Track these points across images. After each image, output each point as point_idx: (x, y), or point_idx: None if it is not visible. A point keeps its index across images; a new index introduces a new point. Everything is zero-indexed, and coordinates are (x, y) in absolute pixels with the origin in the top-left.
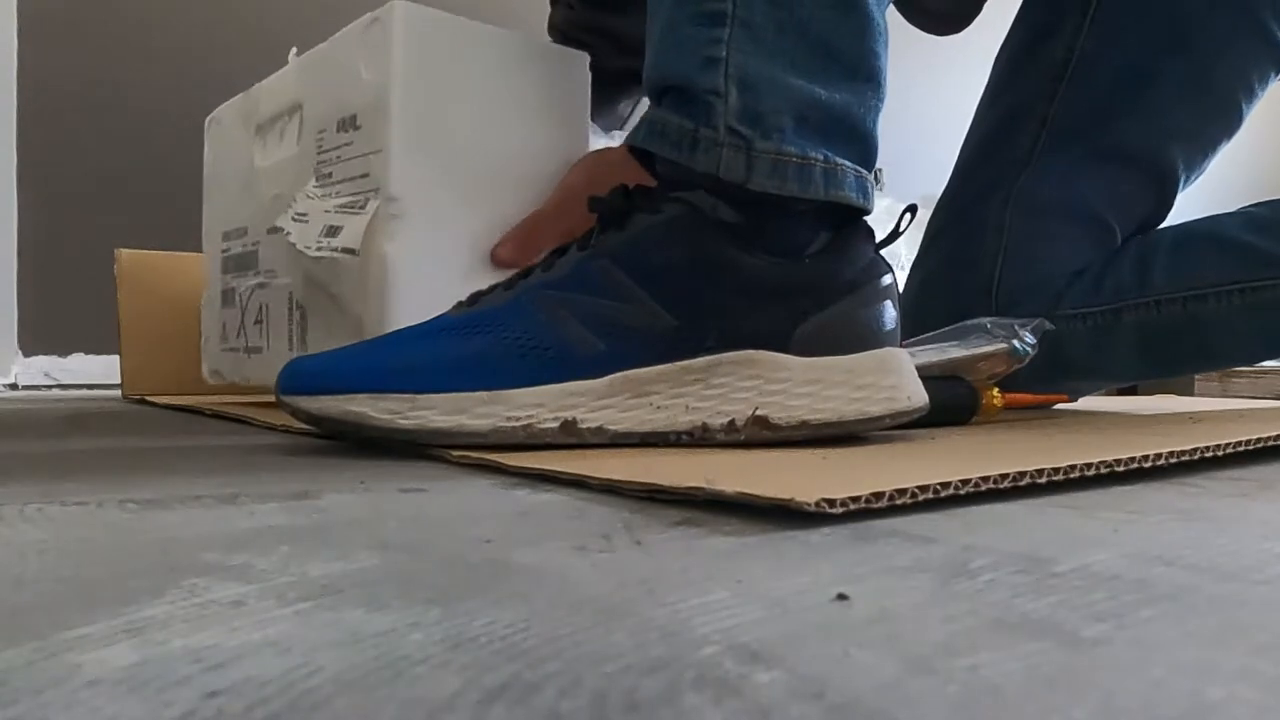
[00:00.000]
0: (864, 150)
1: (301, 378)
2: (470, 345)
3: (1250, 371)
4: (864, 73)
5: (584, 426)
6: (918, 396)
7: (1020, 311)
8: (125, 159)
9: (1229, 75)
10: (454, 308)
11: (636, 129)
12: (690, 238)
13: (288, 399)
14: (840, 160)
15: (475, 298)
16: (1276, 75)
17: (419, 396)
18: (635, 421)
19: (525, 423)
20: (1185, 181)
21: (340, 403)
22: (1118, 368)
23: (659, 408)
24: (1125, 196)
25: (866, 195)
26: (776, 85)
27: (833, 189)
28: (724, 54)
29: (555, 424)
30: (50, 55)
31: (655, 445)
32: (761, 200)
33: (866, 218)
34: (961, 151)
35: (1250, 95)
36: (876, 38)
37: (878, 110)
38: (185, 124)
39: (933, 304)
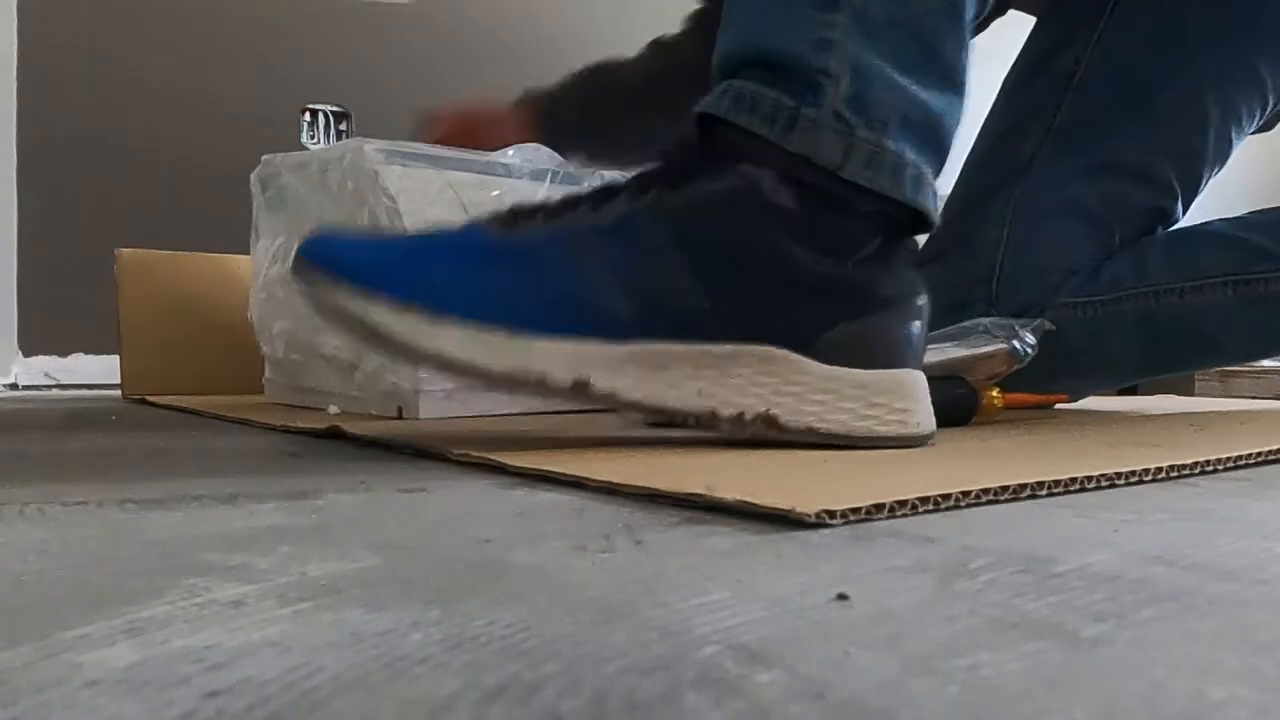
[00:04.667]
0: (940, 162)
1: (328, 251)
2: (501, 277)
3: (1251, 370)
4: (956, 83)
5: (595, 390)
6: (927, 424)
7: (1018, 299)
8: (125, 159)
9: (1220, 106)
10: (491, 218)
11: (714, 97)
12: (743, 216)
13: (309, 273)
14: (926, 169)
15: (515, 215)
16: (1264, 112)
17: (441, 317)
18: (646, 395)
19: (539, 377)
20: (1184, 201)
21: (363, 304)
22: (1117, 362)
23: (672, 386)
24: (1125, 207)
25: (937, 210)
26: (887, 80)
27: (918, 195)
28: (838, 37)
29: (568, 383)
30: (50, 54)
31: (660, 425)
32: (827, 194)
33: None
34: (969, 154)
35: (1239, 128)
36: (968, 52)
37: (959, 124)
38: (187, 124)
39: (934, 295)
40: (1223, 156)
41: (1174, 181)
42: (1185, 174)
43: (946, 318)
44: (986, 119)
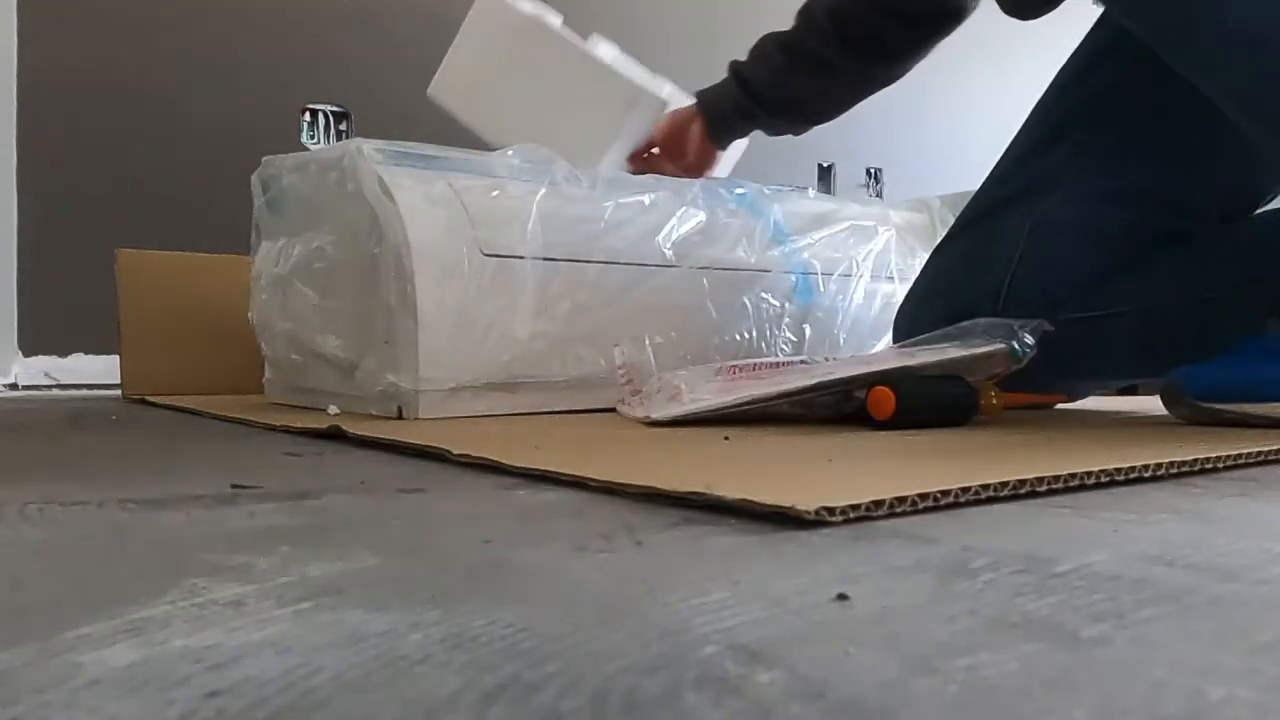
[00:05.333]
0: None
1: None
2: None
3: None
4: None
5: None
6: None
7: (1022, 312)
8: (125, 159)
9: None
10: None
11: None
12: None
13: None
14: None
15: None
16: None
17: None
18: None
19: None
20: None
21: None
22: (1117, 369)
23: None
24: (1148, 234)
25: None
26: None
27: None
28: None
29: None
30: (50, 55)
31: None
32: None
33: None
34: (1002, 157)
35: None
36: None
37: None
38: (187, 124)
39: (939, 295)
40: (1276, 185)
41: (1209, 212)
42: (1225, 204)
43: (949, 323)
44: (1018, 133)
